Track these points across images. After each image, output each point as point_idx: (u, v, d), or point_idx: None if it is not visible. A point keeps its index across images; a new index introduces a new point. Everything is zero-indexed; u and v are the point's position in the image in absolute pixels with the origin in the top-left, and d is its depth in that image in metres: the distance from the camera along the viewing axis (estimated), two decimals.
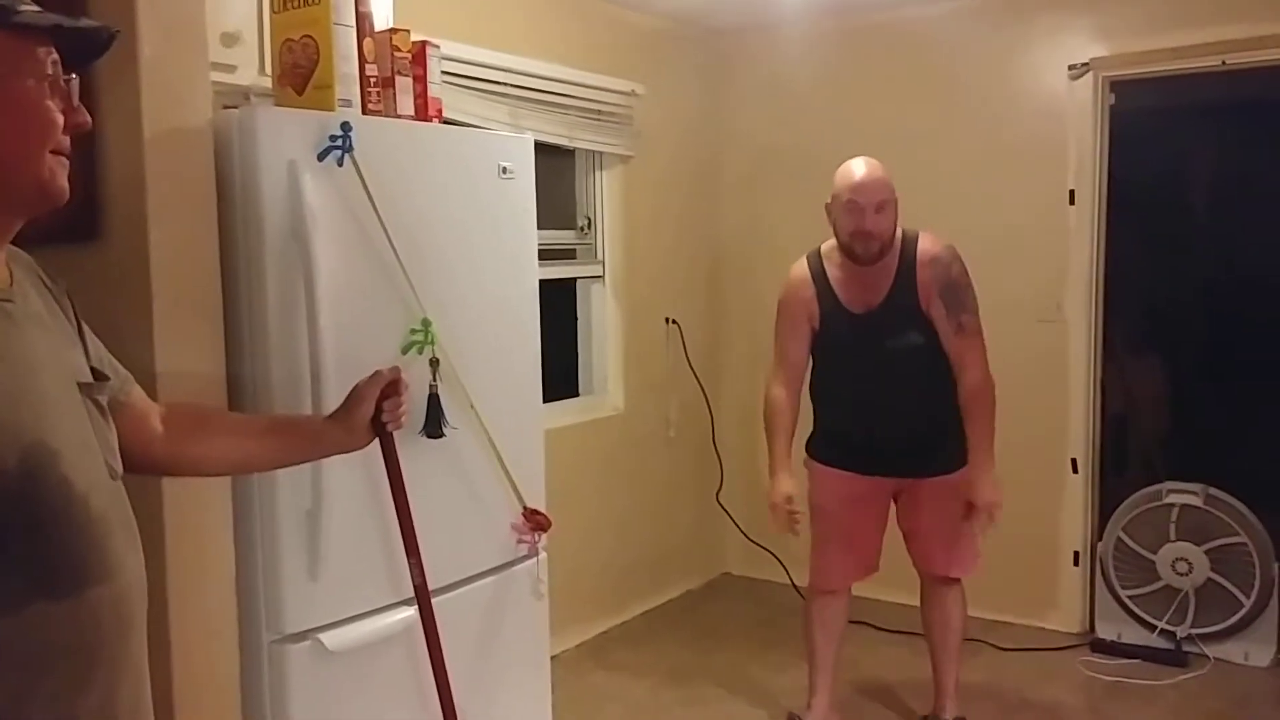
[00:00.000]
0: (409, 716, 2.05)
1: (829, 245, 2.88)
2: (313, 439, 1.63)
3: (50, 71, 1.09)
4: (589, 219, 4.04)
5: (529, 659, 2.44)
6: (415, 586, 1.82)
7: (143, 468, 1.33)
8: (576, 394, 4.11)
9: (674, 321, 4.31)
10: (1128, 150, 3.84)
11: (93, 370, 1.21)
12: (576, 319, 4.12)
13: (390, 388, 1.65)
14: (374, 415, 1.63)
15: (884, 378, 2.80)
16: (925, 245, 2.80)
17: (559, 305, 4.03)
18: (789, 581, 4.29)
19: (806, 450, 3.04)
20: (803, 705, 3.12)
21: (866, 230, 2.71)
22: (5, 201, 1.10)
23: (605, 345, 4.12)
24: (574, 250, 4.01)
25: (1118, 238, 3.87)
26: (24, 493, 1.03)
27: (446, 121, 2.84)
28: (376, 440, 1.70)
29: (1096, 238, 3.83)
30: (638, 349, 4.18)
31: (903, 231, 2.81)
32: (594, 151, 3.95)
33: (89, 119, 1.15)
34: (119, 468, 1.20)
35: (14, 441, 1.03)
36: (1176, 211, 4.13)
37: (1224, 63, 3.54)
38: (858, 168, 2.76)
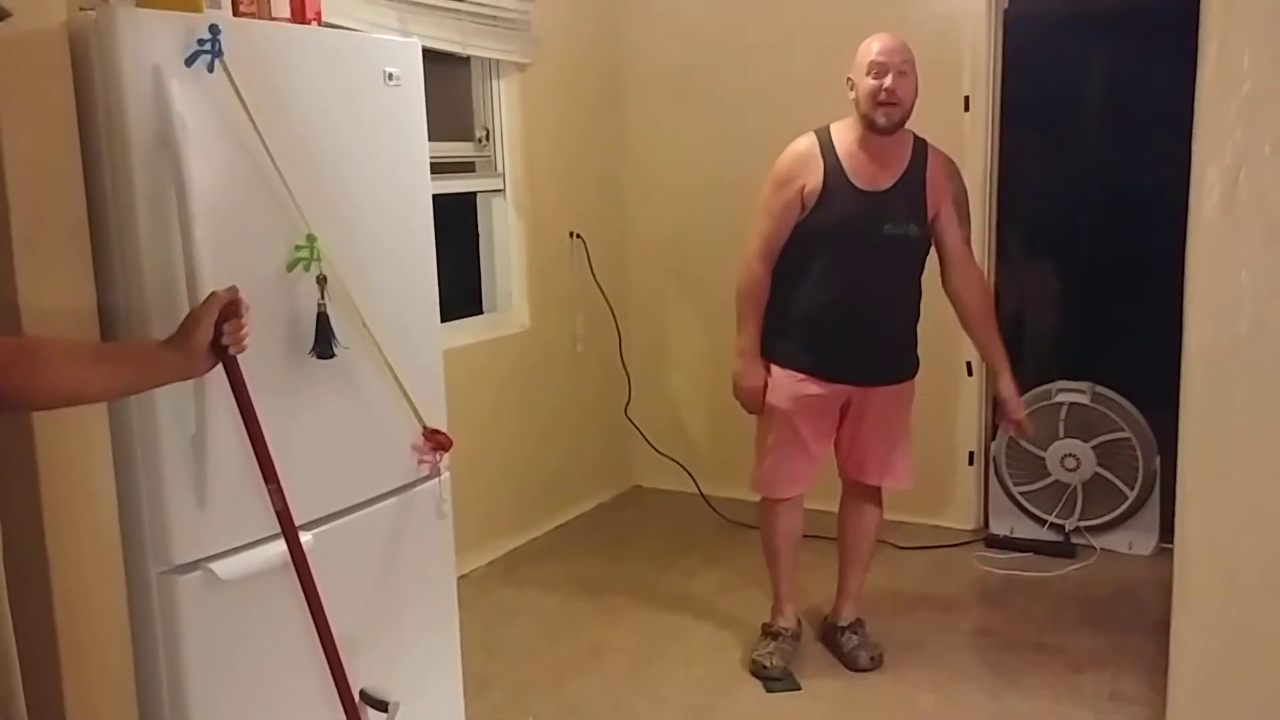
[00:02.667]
0: (306, 642, 2.01)
1: (840, 123, 2.79)
2: (149, 365, 1.55)
3: None
4: (487, 130, 3.92)
5: (434, 579, 2.42)
6: (277, 513, 1.76)
7: None
8: (480, 312, 4.04)
9: (578, 235, 4.25)
10: (1021, 57, 3.86)
11: None
12: (478, 235, 4.02)
13: (229, 309, 1.59)
14: (214, 339, 1.57)
15: (870, 267, 2.74)
16: (935, 147, 2.83)
17: (459, 221, 3.94)
18: (698, 491, 4.36)
19: (763, 353, 2.90)
20: (758, 630, 3.11)
21: (891, 89, 2.65)
22: None
23: (508, 261, 4.05)
24: (473, 164, 3.89)
25: (1010, 144, 3.92)
26: None
27: (328, 26, 2.72)
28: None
29: (990, 144, 3.88)
30: (541, 264, 4.11)
31: (913, 133, 2.80)
32: (490, 59, 3.82)
33: None
34: None
35: None
36: (1068, 119, 4.19)
37: None
38: (879, 35, 2.73)
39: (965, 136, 3.84)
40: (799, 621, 3.12)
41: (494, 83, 3.89)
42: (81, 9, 1.78)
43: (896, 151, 2.76)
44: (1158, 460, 3.64)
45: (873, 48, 2.71)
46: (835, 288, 2.77)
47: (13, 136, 1.63)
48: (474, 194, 3.95)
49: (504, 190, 3.97)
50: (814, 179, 2.74)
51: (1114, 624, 3.23)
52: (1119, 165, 4.42)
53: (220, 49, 1.78)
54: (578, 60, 4.19)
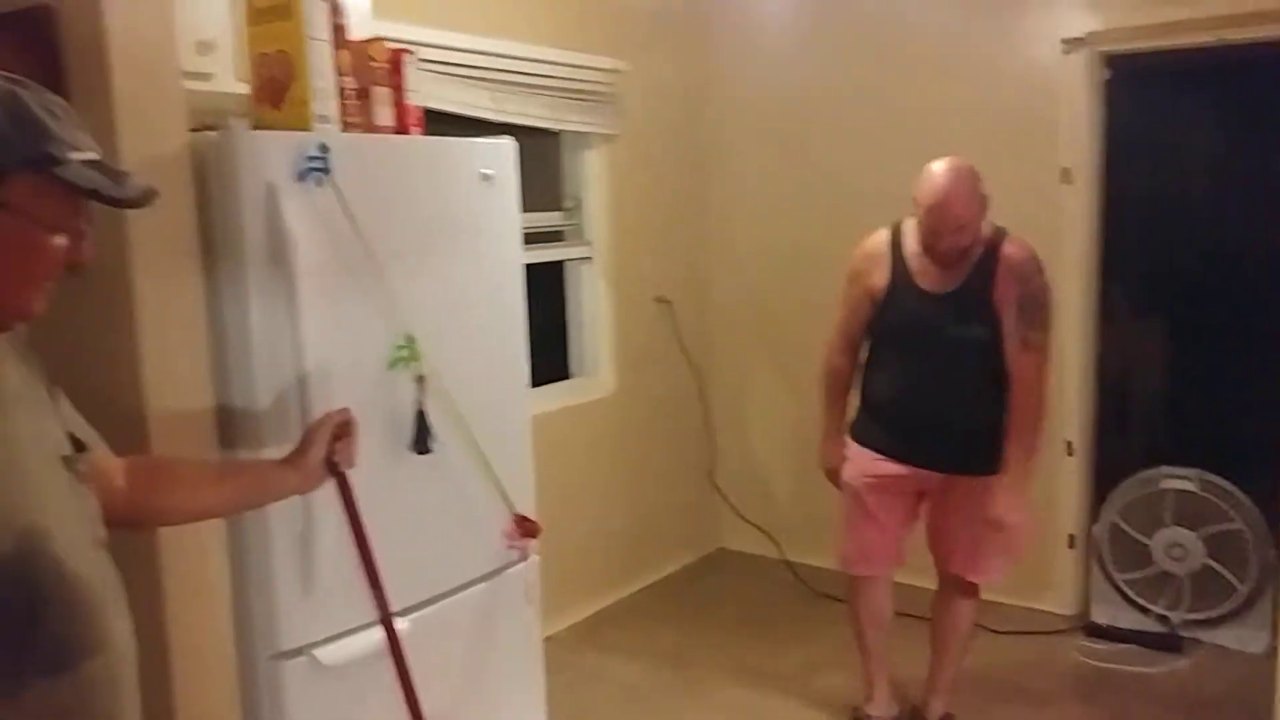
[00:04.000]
0: None
1: (911, 220, 2.79)
2: (268, 484, 1.64)
3: (73, 226, 1.11)
4: (576, 199, 4.00)
5: (522, 661, 2.47)
6: (381, 619, 1.82)
7: (107, 524, 1.30)
8: (568, 376, 4.10)
9: (664, 300, 4.29)
10: (1123, 126, 3.78)
11: (69, 437, 1.20)
12: (565, 301, 4.10)
13: (341, 429, 1.67)
14: (327, 455, 1.64)
15: (939, 365, 2.74)
16: (1012, 243, 2.73)
17: (548, 287, 4.02)
18: (782, 558, 4.33)
19: (849, 433, 2.98)
20: (847, 715, 3.10)
21: (942, 250, 2.66)
22: None
23: (595, 326, 4.11)
24: (561, 232, 3.97)
25: (1114, 216, 3.83)
26: (20, 577, 1.04)
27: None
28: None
29: (1092, 216, 3.80)
30: (628, 329, 4.16)
31: (993, 226, 2.74)
32: (579, 132, 3.91)
33: (92, 254, 1.15)
34: (103, 535, 1.19)
35: (8, 526, 1.03)
36: (1174, 189, 4.08)
37: (1219, 38, 3.48)
38: (938, 182, 2.61)
39: (1065, 209, 3.77)
40: (896, 707, 3.07)
41: (583, 153, 3.98)
42: (201, 127, 1.89)
43: (965, 251, 2.72)
44: (1273, 553, 3.47)
45: (927, 203, 2.62)
46: (905, 379, 2.81)
47: (140, 253, 1.74)
48: (562, 261, 4.03)
49: (591, 257, 4.04)
50: (881, 278, 2.78)
51: None
52: (1229, 237, 4.26)
53: (329, 166, 1.87)
54: (663, 127, 4.25)
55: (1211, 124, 3.92)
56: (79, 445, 1.21)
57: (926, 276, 2.74)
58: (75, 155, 1.07)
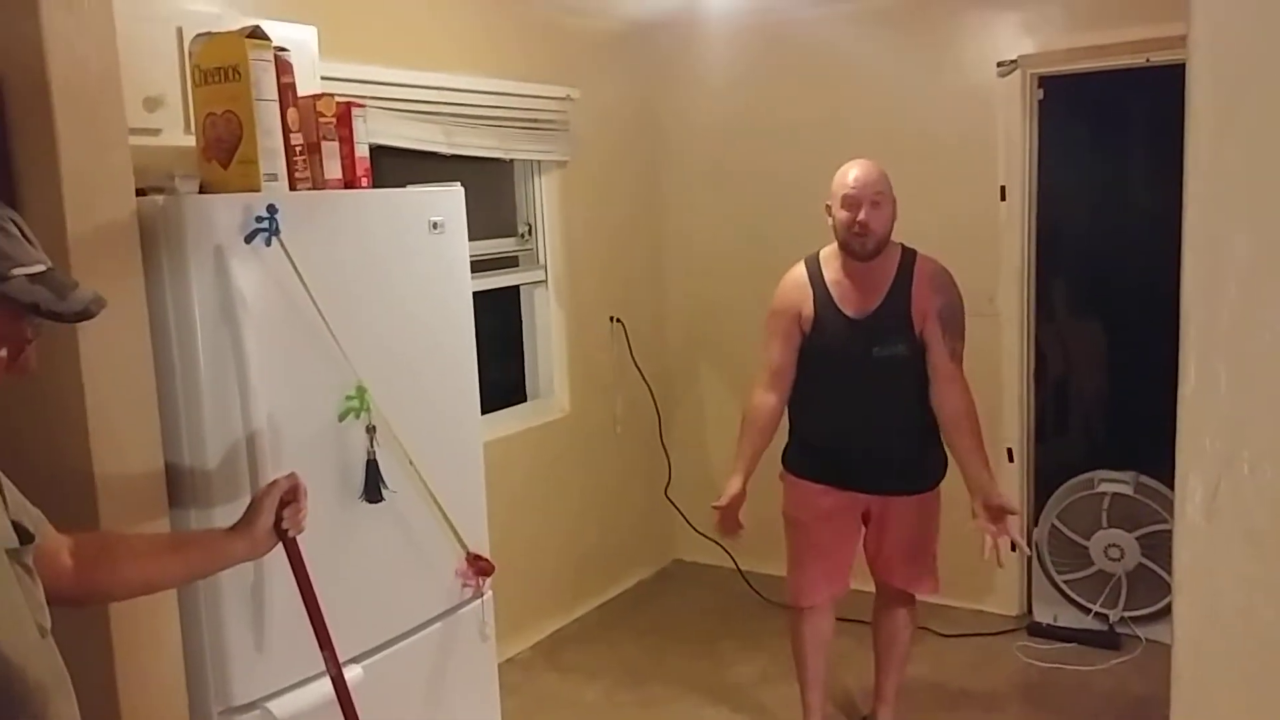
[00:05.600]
0: None
1: (828, 250, 2.90)
2: (216, 554, 1.65)
3: (16, 337, 1.13)
4: (529, 225, 4.04)
5: (479, 695, 2.51)
6: (332, 678, 1.84)
7: (53, 603, 1.31)
8: (524, 399, 4.14)
9: (618, 320, 4.35)
10: (1056, 145, 3.90)
11: (14, 525, 1.22)
12: (521, 326, 4.14)
13: (289, 494, 1.69)
14: (275, 522, 1.67)
15: (867, 388, 2.81)
16: (925, 259, 2.85)
17: (503, 313, 4.05)
18: (736, 568, 4.41)
19: (783, 463, 3.01)
20: (797, 713, 3.14)
21: (863, 222, 2.73)
22: None
23: (550, 348, 4.15)
24: (516, 258, 4.01)
25: (1047, 232, 3.95)
26: None
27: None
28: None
29: (1027, 232, 3.92)
30: (583, 350, 4.21)
31: (902, 246, 2.86)
32: (532, 160, 3.95)
33: (32, 366, 1.17)
34: (47, 624, 1.22)
35: None
36: (1106, 206, 4.21)
37: (1148, 60, 3.61)
38: (854, 164, 2.81)
39: (1001, 225, 3.89)
40: None
41: (536, 180, 4.01)
42: (147, 189, 1.91)
43: (880, 273, 2.82)
44: None
45: (847, 179, 2.79)
46: (837, 407, 2.88)
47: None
48: (517, 286, 4.07)
49: (546, 281, 4.08)
50: (807, 307, 2.86)
51: None
52: (1162, 246, 4.39)
53: (277, 226, 1.90)
54: (615, 151, 4.31)
55: (1142, 138, 4.04)
56: (24, 534, 1.23)
57: (848, 302, 2.84)
58: (19, 271, 1.10)
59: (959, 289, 2.87)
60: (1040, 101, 3.88)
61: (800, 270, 2.92)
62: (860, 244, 2.77)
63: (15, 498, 1.29)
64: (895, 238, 2.87)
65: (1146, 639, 3.72)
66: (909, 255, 2.86)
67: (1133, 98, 3.91)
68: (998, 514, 2.70)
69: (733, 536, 2.95)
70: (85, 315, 1.17)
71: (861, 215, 2.74)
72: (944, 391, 2.80)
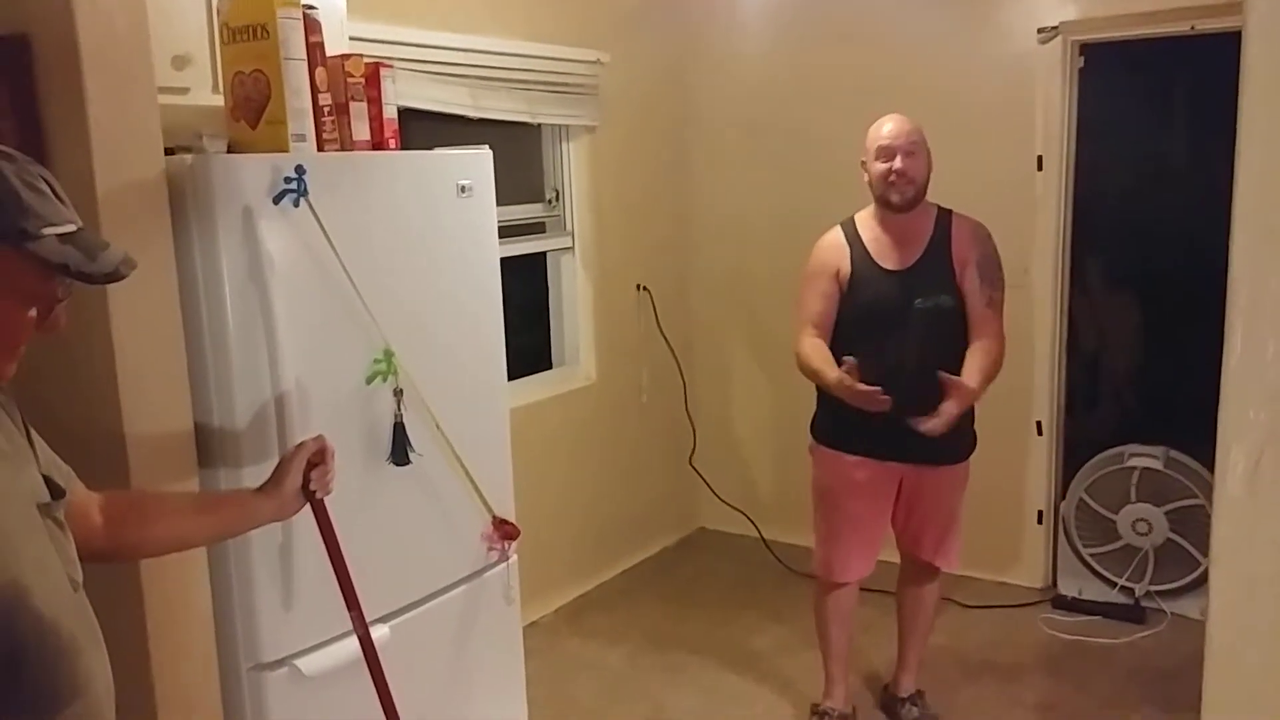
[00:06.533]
0: None
1: (863, 213, 2.89)
2: (245, 513, 1.66)
3: (46, 297, 1.13)
4: (557, 191, 4.02)
5: (503, 657, 2.53)
6: (359, 638, 1.86)
7: (84, 559, 1.32)
8: (550, 366, 4.14)
9: (644, 288, 4.32)
10: (1095, 115, 3.82)
11: (45, 480, 1.23)
12: (548, 292, 4.12)
13: (316, 456, 1.69)
14: (303, 483, 1.67)
15: (909, 342, 2.74)
16: (961, 215, 2.85)
17: (530, 279, 4.04)
18: (760, 538, 4.41)
19: (813, 435, 2.96)
20: (818, 693, 3.14)
21: (900, 170, 2.72)
22: None
23: (576, 316, 4.14)
24: (543, 224, 3.99)
25: (1086, 200, 3.88)
26: (1, 633, 1.07)
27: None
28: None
29: (1063, 203, 3.85)
30: (609, 318, 4.20)
31: (937, 206, 2.85)
32: (560, 124, 3.91)
33: (61, 324, 1.17)
34: (79, 578, 1.23)
35: None
36: (1145, 178, 4.12)
37: (1193, 28, 3.52)
38: (888, 118, 2.80)
39: (1037, 196, 3.82)
40: (851, 706, 3.12)
41: (563, 145, 3.98)
42: (176, 149, 1.90)
43: (918, 227, 2.81)
44: None
45: (881, 131, 2.78)
46: (879, 368, 2.74)
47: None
48: (544, 253, 4.05)
49: (573, 247, 4.06)
50: (845, 265, 2.83)
51: (1177, 703, 3.17)
52: (1200, 218, 4.30)
53: (305, 187, 1.90)
54: (644, 117, 4.26)
55: (1185, 109, 3.95)
56: (55, 489, 1.24)
57: (887, 257, 2.81)
58: (50, 230, 1.10)
59: (994, 242, 2.85)
60: (1080, 70, 3.79)
61: (836, 232, 2.90)
62: (898, 193, 2.74)
63: (46, 453, 1.30)
64: (932, 201, 2.84)
65: (1172, 613, 3.70)
66: (945, 212, 2.86)
67: (1176, 67, 3.83)
68: (951, 389, 2.65)
69: (881, 402, 2.65)
70: (115, 277, 1.17)
71: (897, 163, 2.72)
72: (979, 338, 2.77)
